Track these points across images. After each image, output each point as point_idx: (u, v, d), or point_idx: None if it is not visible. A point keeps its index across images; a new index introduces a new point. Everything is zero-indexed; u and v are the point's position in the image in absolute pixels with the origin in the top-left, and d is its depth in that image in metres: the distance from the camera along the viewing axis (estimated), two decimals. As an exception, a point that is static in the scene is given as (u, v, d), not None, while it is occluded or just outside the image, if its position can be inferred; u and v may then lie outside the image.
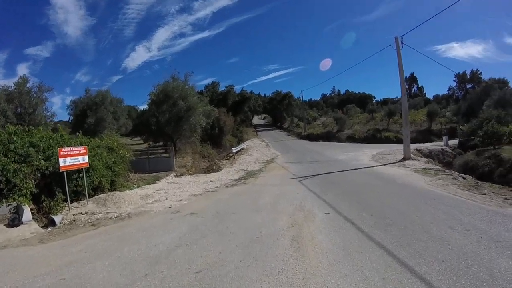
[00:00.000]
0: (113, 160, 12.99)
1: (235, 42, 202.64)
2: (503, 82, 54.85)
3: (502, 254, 4.80)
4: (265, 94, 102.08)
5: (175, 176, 17.58)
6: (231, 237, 6.33)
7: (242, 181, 14.55)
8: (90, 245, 6.52)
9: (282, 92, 79.03)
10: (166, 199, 11.16)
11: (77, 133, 13.77)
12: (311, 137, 44.58)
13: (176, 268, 4.97)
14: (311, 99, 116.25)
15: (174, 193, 12.24)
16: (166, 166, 19.08)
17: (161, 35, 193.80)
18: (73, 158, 9.89)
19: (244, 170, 18.20)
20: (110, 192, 11.61)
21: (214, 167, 22.27)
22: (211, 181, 15.05)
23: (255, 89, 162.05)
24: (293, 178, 13.98)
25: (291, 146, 35.67)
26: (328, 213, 7.74)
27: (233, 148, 30.52)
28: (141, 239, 6.64)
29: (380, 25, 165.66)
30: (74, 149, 10.12)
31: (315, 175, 14.34)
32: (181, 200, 10.92)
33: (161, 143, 28.21)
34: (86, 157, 10.42)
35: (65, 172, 9.64)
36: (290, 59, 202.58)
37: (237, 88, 65.59)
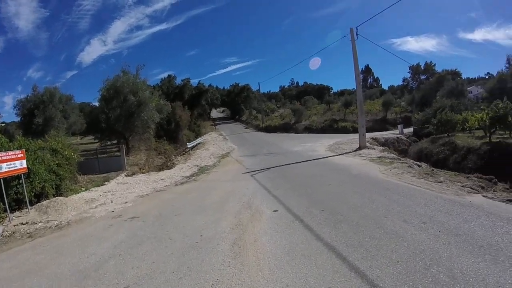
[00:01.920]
0: (57, 162, 12.38)
1: (194, 34, 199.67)
2: (455, 73, 58.69)
3: (463, 250, 4.52)
4: (224, 87, 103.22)
5: (126, 175, 17.02)
6: (169, 244, 6.01)
7: (193, 178, 14.42)
8: (22, 260, 6.15)
9: (240, 85, 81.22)
10: (112, 202, 10.88)
11: (16, 135, 13.12)
12: (269, 129, 45.64)
13: (103, 284, 4.65)
14: (269, 91, 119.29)
15: (121, 194, 12.00)
16: (117, 166, 18.34)
17: (117, 27, 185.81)
18: (10, 163, 9.31)
19: (198, 166, 18.09)
20: (55, 197, 11.12)
21: (169, 163, 21.88)
22: (161, 179, 14.79)
23: (214, 82, 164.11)
24: (246, 173, 13.89)
25: (248, 138, 36.20)
26: (277, 210, 7.51)
27: (188, 143, 29.81)
28: (76, 250, 6.30)
29: (338, 19, 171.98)
30: (10, 153, 9.49)
31: (269, 168, 14.30)
32: (126, 202, 10.66)
33: (115, 142, 26.80)
34: (24, 161, 9.86)
35: (1, 180, 9.03)
36: (250, 52, 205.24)
37: (196, 82, 66.90)
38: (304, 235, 5.68)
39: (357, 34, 18.83)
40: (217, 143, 32.14)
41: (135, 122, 22.65)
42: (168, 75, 62.59)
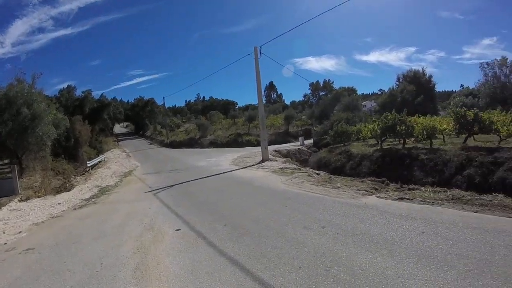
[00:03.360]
0: None
1: (100, 42, 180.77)
2: (351, 90, 68.37)
3: (361, 248, 4.81)
4: (128, 101, 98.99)
5: (19, 201, 14.73)
6: (67, 276, 5.43)
7: (93, 200, 13.27)
8: None
9: (144, 99, 79.33)
10: (4, 232, 9.44)
11: None
12: (173, 145, 45.00)
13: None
14: (175, 105, 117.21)
15: (14, 223, 10.52)
16: (9, 190, 15.74)
17: (18, 28, 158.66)
18: None
19: (98, 187, 16.73)
20: None
21: (67, 185, 19.70)
22: (58, 203, 13.28)
23: (118, 95, 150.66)
24: (149, 191, 13.28)
25: (153, 155, 35.31)
26: (180, 229, 7.25)
27: (88, 162, 27.26)
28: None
29: (246, 37, 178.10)
30: None
31: (172, 186, 13.92)
32: (19, 232, 9.35)
33: (7, 161, 22.86)
34: None
35: None
36: (156, 64, 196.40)
37: (98, 94, 61.15)
38: (207, 252, 5.53)
39: (260, 53, 20.04)
40: (119, 161, 30.57)
41: (29, 139, 19.65)
42: (68, 85, 56.49)
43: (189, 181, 14.83)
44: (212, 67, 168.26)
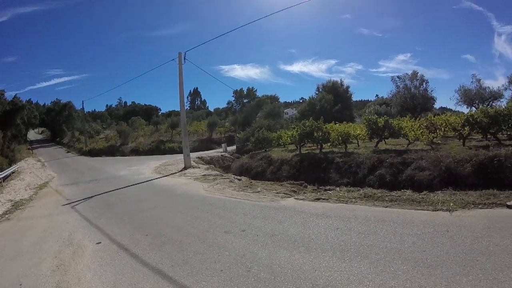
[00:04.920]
0: None
1: (17, 37, 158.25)
2: (274, 98, 69.83)
3: (279, 247, 5.05)
4: (45, 104, 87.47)
5: None
6: None
7: (6, 216, 11.86)
8: None
9: (62, 102, 71.80)
10: None
11: None
12: (93, 153, 42.02)
13: None
14: (95, 110, 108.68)
15: None
16: None
17: None
18: None
19: (11, 201, 14.89)
20: None
21: None
22: None
23: (34, 97, 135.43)
24: (66, 204, 12.30)
25: (70, 164, 32.61)
26: (100, 242, 6.92)
27: None
28: None
29: (175, 42, 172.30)
30: None
31: (91, 197, 13.09)
32: None
33: None
34: None
35: None
36: (77, 65, 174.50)
37: (10, 95, 53.88)
38: (129, 263, 5.38)
39: (185, 59, 19.97)
40: (34, 171, 27.58)
41: None
42: (-25, 85, 49.74)
43: (109, 191, 14.17)
44: (136, 70, 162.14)
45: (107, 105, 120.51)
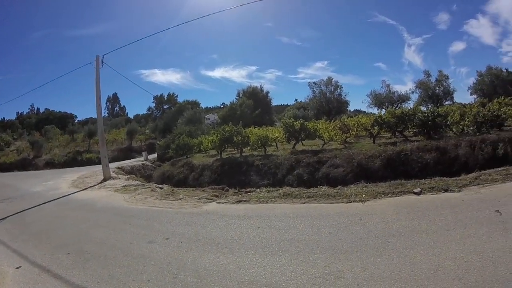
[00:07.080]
0: None
1: None
2: (195, 103, 70.01)
3: (204, 251, 5.27)
4: None
5: None
6: None
7: None
8: None
9: None
10: None
11: None
12: (3, 168, 37.30)
13: None
14: (4, 118, 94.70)
15: None
16: None
17: None
18: None
19: None
20: None
21: None
22: None
23: None
24: None
25: None
26: (20, 266, 6.38)
27: None
28: None
29: (94, 44, 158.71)
30: None
31: (4, 218, 11.70)
32: None
33: None
34: None
35: None
36: None
37: None
38: (53, 285, 5.11)
39: (102, 62, 18.86)
40: None
41: None
42: None
43: (24, 210, 12.91)
44: (52, 74, 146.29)
45: (17, 113, 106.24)
